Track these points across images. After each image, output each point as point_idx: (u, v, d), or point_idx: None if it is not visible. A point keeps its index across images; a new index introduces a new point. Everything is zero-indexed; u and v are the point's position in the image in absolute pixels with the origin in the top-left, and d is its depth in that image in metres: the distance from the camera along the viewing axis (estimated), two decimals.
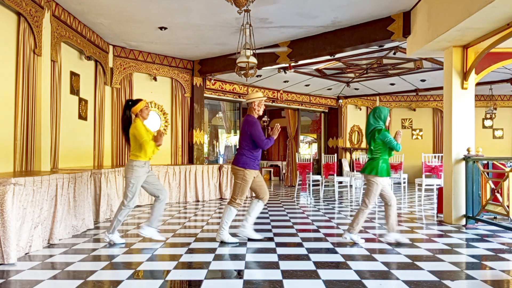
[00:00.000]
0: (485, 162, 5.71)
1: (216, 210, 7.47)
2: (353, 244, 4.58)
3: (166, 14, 6.64)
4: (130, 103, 4.61)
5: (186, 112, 9.84)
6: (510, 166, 5.60)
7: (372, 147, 4.66)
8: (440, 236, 5.11)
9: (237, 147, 4.97)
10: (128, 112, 4.61)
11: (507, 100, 14.17)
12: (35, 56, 5.69)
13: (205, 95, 10.39)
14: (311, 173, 10.01)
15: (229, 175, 9.32)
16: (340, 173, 13.21)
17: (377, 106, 4.81)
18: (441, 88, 9.61)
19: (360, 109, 14.60)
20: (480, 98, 13.69)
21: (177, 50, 8.99)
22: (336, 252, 4.19)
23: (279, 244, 4.54)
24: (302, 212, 7.14)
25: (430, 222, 6.14)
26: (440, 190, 6.72)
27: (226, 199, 9.13)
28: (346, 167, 13.57)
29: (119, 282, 3.20)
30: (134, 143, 4.53)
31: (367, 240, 4.83)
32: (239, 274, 3.46)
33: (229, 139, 16.04)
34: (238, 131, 13.30)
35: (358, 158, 10.72)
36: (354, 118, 14.47)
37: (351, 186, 10.41)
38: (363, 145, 14.56)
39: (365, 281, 3.23)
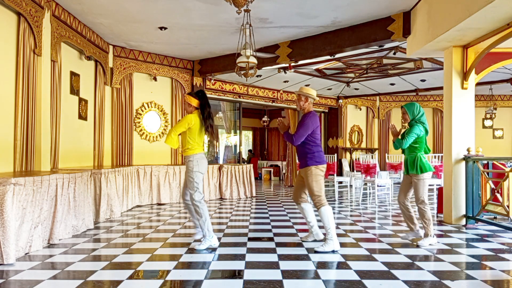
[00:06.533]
0: (485, 162, 5.71)
1: (216, 210, 7.47)
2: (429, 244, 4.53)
3: (166, 14, 6.64)
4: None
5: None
6: (510, 166, 5.60)
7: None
8: (440, 236, 5.10)
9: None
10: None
11: (507, 100, 14.16)
12: (35, 56, 5.69)
13: None
14: None
15: (229, 175, 9.32)
16: (340, 173, 13.21)
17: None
18: (441, 88, 9.61)
19: (360, 109, 14.59)
20: (480, 98, 13.68)
21: (177, 50, 8.99)
22: (336, 252, 4.19)
23: (279, 244, 4.54)
24: None
25: None
26: (440, 190, 6.72)
27: (226, 199, 9.13)
28: (346, 167, 13.57)
29: (119, 282, 3.20)
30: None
31: (367, 240, 4.84)
32: (239, 274, 3.46)
33: (229, 139, 16.03)
34: (238, 131, 13.28)
35: (358, 158, 10.71)
36: (354, 118, 14.45)
37: (351, 186, 10.40)
38: (363, 145, 14.56)
39: (365, 281, 3.23)
